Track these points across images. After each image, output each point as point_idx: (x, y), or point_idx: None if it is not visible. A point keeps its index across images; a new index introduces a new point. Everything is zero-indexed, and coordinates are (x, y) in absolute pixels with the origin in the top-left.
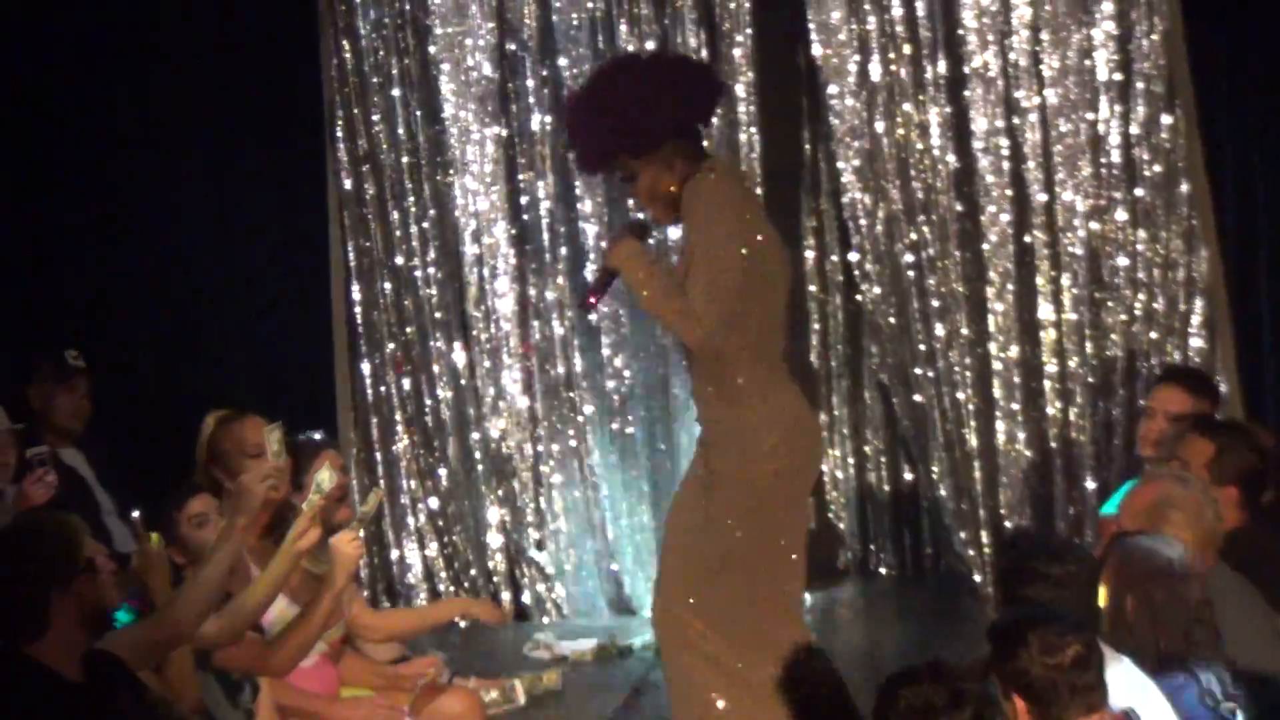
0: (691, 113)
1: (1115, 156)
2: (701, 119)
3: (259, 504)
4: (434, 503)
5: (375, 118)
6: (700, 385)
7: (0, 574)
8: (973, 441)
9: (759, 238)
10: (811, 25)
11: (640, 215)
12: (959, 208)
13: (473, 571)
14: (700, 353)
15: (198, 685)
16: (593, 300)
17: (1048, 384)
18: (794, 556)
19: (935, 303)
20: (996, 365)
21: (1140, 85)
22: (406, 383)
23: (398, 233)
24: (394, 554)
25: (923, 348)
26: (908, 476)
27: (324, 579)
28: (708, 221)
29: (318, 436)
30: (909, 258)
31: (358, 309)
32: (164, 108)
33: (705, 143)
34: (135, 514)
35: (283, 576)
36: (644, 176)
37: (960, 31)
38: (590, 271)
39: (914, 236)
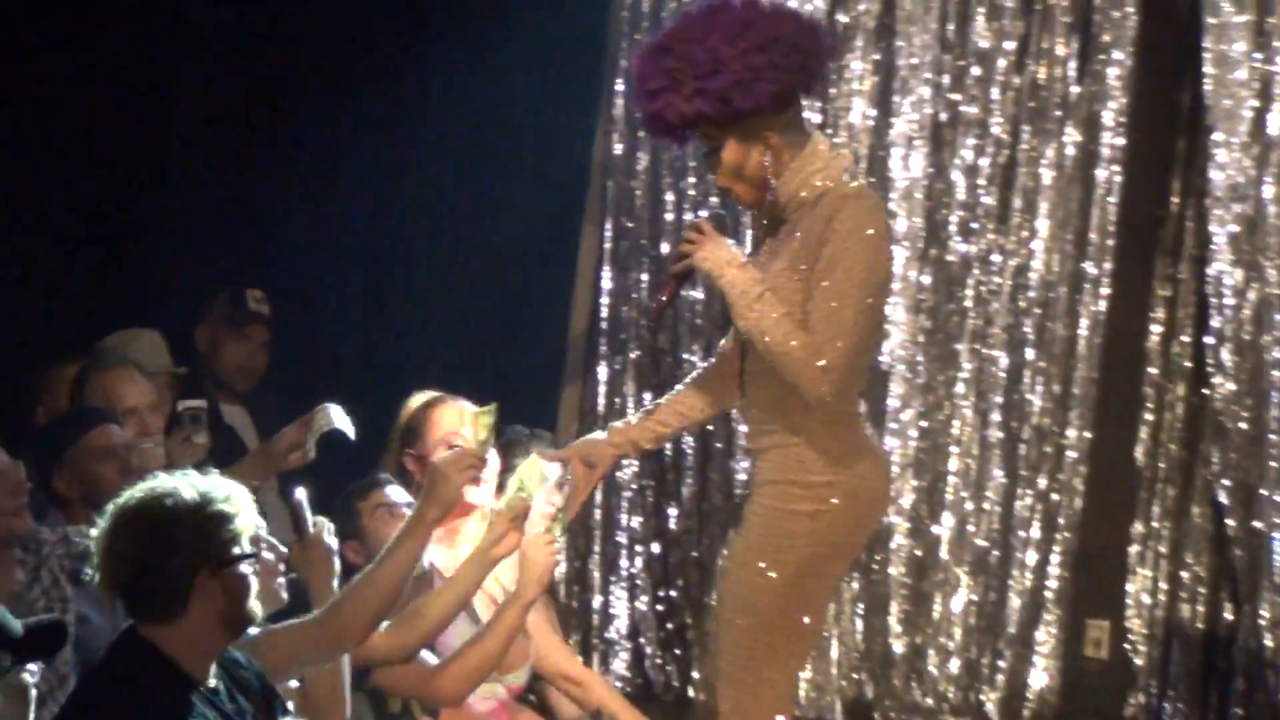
0: (796, 78)
1: None
2: (806, 84)
3: (456, 495)
4: (656, 548)
5: None
6: (774, 416)
7: (144, 539)
8: None
9: (891, 285)
10: (1206, 55)
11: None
12: None
13: (689, 635)
14: (814, 403)
15: (346, 708)
16: (660, 310)
17: None
18: (806, 642)
19: None
20: None
21: None
22: (647, 399)
23: (668, 216)
24: (597, 600)
25: (1275, 465)
26: (1228, 617)
27: (511, 594)
28: (855, 253)
29: (528, 431)
30: (1278, 354)
31: (604, 301)
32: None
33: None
34: (300, 494)
35: (472, 587)
36: (729, 150)
37: None
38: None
39: None
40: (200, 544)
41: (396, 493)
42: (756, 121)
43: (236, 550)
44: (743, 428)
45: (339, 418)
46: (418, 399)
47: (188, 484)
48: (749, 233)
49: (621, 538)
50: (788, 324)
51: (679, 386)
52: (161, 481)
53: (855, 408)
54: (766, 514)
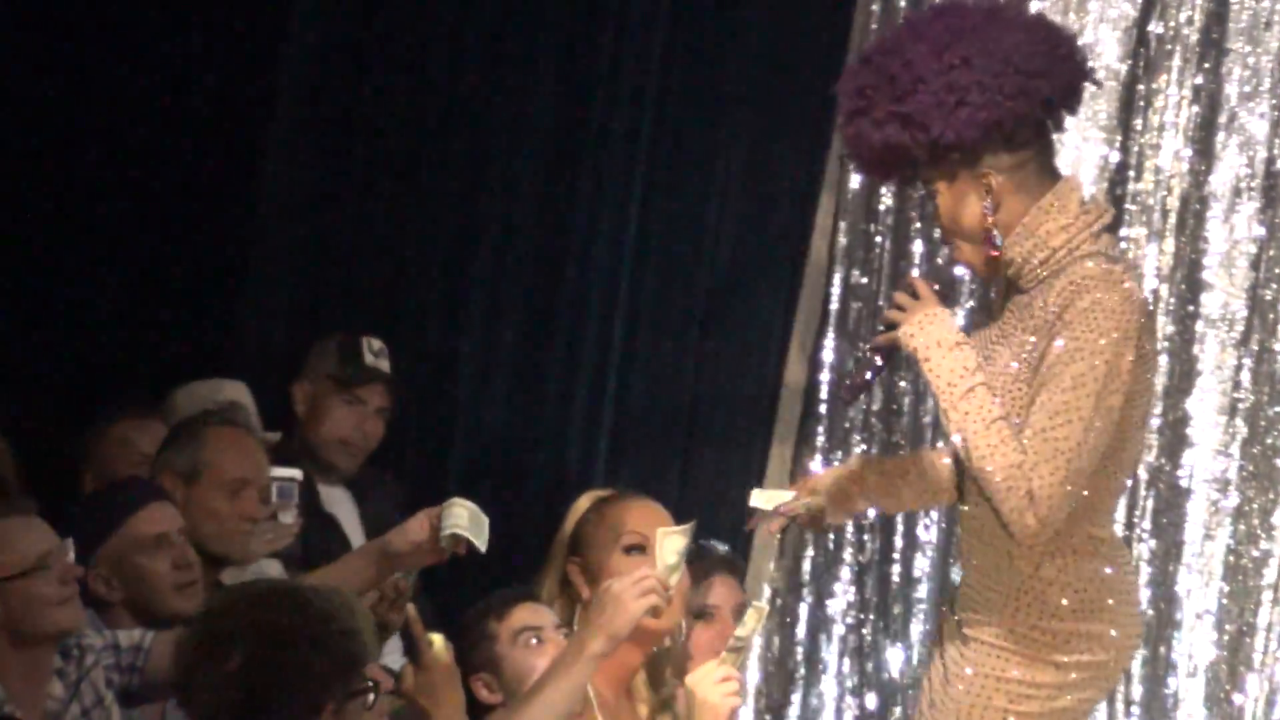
0: (1019, 104)
1: None
2: (1045, 113)
3: (629, 626)
4: (871, 700)
5: None
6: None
7: (265, 660)
8: None
9: (1147, 376)
10: None
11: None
12: None
13: None
14: (1021, 539)
15: None
16: (854, 393)
17: None
18: None
19: None
20: None
21: None
22: (879, 401)
23: (915, 272)
24: (800, 630)
25: None
26: None
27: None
28: (1090, 356)
29: (722, 549)
30: None
31: (834, 303)
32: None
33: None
34: (413, 608)
35: (573, 691)
36: (942, 195)
37: None
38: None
39: None
40: (336, 669)
41: (540, 614)
42: (970, 158)
43: (364, 680)
44: None
45: (472, 520)
46: (590, 497)
47: (311, 589)
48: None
49: (828, 685)
50: (998, 434)
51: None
52: (286, 585)
53: (1109, 533)
54: (988, 659)
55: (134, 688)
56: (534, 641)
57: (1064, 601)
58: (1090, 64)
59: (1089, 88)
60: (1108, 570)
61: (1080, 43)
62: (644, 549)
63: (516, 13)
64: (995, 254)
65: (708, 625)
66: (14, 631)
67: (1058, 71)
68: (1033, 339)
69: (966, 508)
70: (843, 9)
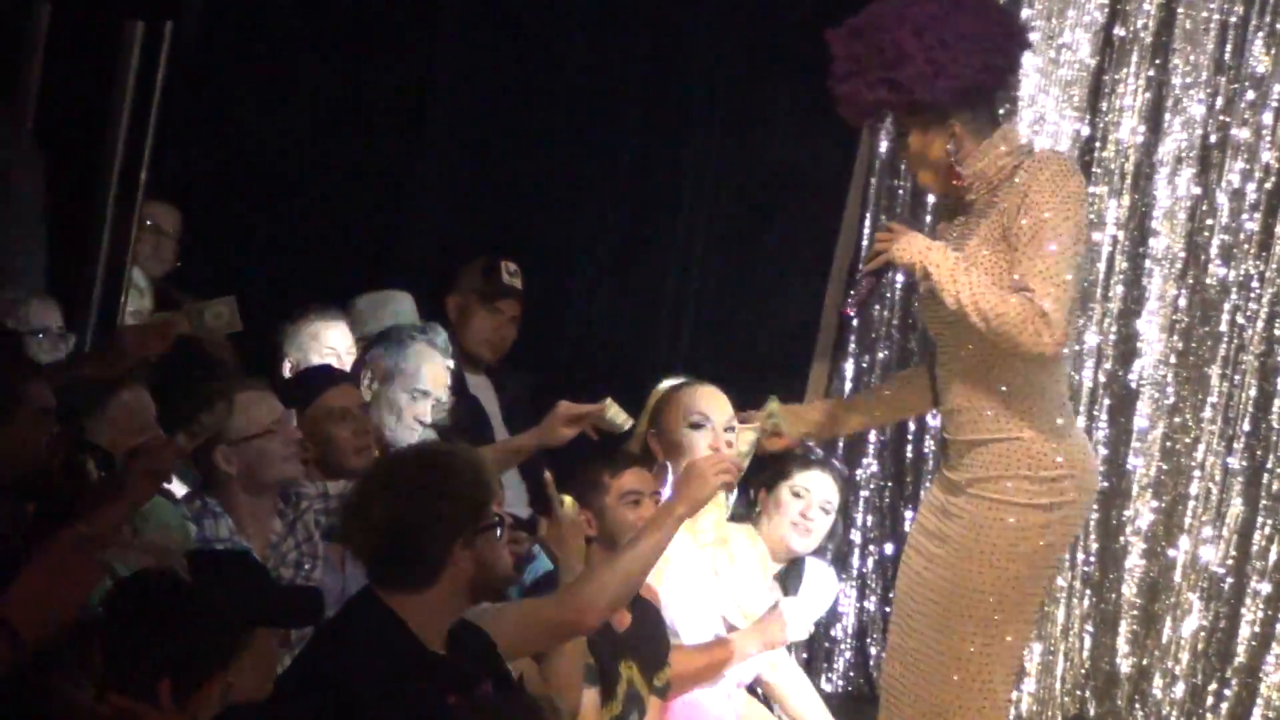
0: (988, 74)
1: None
2: (996, 81)
3: (709, 496)
4: (889, 548)
5: None
6: (989, 408)
7: (402, 506)
8: None
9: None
10: None
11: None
12: None
13: None
14: (1045, 356)
15: (580, 691)
16: (855, 307)
17: None
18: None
19: None
20: None
21: None
22: (897, 316)
23: (928, 217)
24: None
25: None
26: None
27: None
28: (1060, 211)
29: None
30: None
31: (864, 242)
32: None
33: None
34: (548, 474)
35: (663, 541)
36: (913, 137)
37: None
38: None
39: None
40: (461, 513)
41: (642, 479)
42: (941, 111)
43: (490, 519)
44: None
45: (617, 415)
46: (667, 382)
47: (443, 449)
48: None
49: (855, 536)
50: (997, 290)
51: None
52: (421, 447)
53: (1068, 393)
54: (987, 511)
55: (336, 528)
56: (634, 502)
57: (1055, 449)
58: (1029, 39)
59: (1061, 73)
60: (1075, 425)
61: (1022, 24)
62: (702, 425)
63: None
64: (958, 181)
65: (798, 501)
66: (249, 480)
67: (1009, 48)
68: (998, 223)
69: (950, 397)
70: None
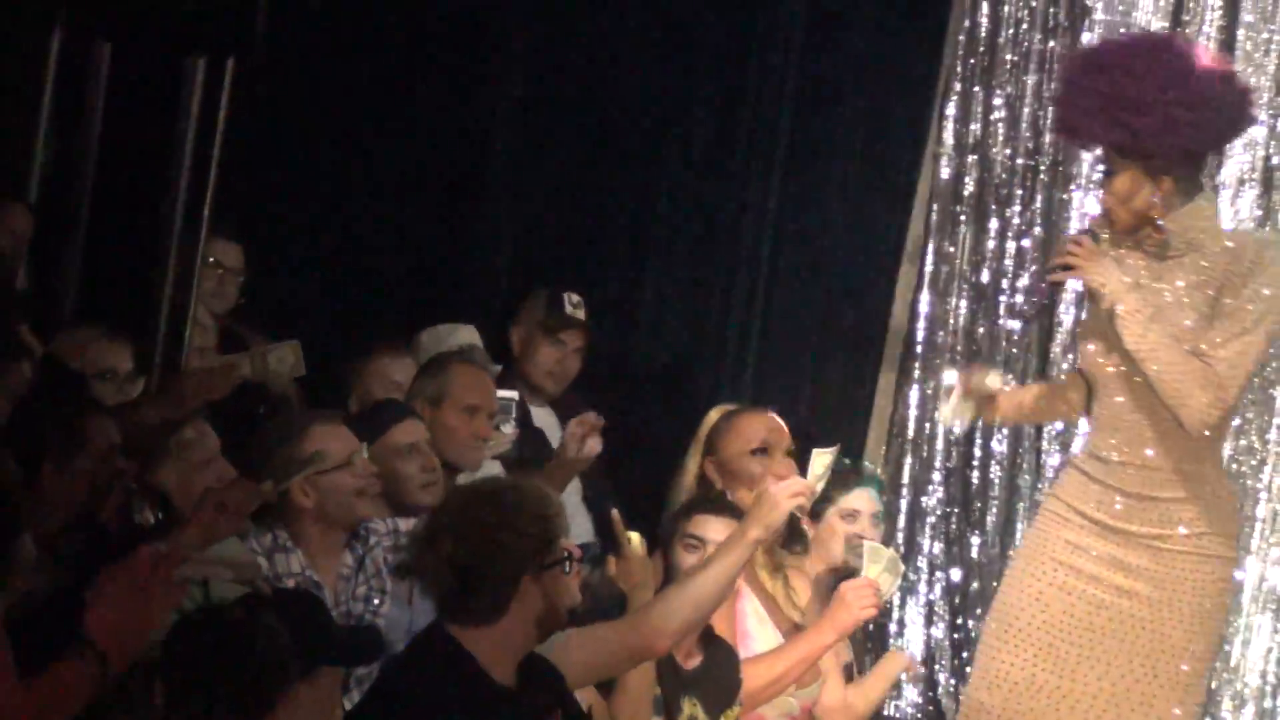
0: (1213, 138)
1: None
2: (1217, 147)
3: (781, 520)
4: (956, 574)
5: (997, 102)
6: (1179, 462)
7: (471, 541)
8: None
9: None
10: None
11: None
12: None
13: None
14: (1198, 428)
15: (650, 716)
16: (1031, 316)
17: None
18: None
19: None
20: None
21: None
22: (957, 425)
23: (990, 244)
24: (893, 625)
25: None
26: None
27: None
28: (1268, 293)
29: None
30: None
31: (921, 324)
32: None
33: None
34: (614, 512)
35: (734, 568)
36: (1123, 179)
37: None
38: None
39: None
40: (530, 547)
41: (709, 527)
42: (1159, 163)
43: (559, 553)
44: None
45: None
46: (719, 409)
47: (510, 485)
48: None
49: (922, 563)
50: (1180, 350)
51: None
52: (489, 483)
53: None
54: (1186, 562)
55: (406, 564)
56: (694, 546)
57: (1229, 506)
58: (1258, 114)
59: None
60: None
61: (1254, 96)
62: (768, 450)
63: (676, 32)
64: (1157, 234)
65: (849, 524)
66: (322, 514)
67: (1241, 123)
68: (1200, 285)
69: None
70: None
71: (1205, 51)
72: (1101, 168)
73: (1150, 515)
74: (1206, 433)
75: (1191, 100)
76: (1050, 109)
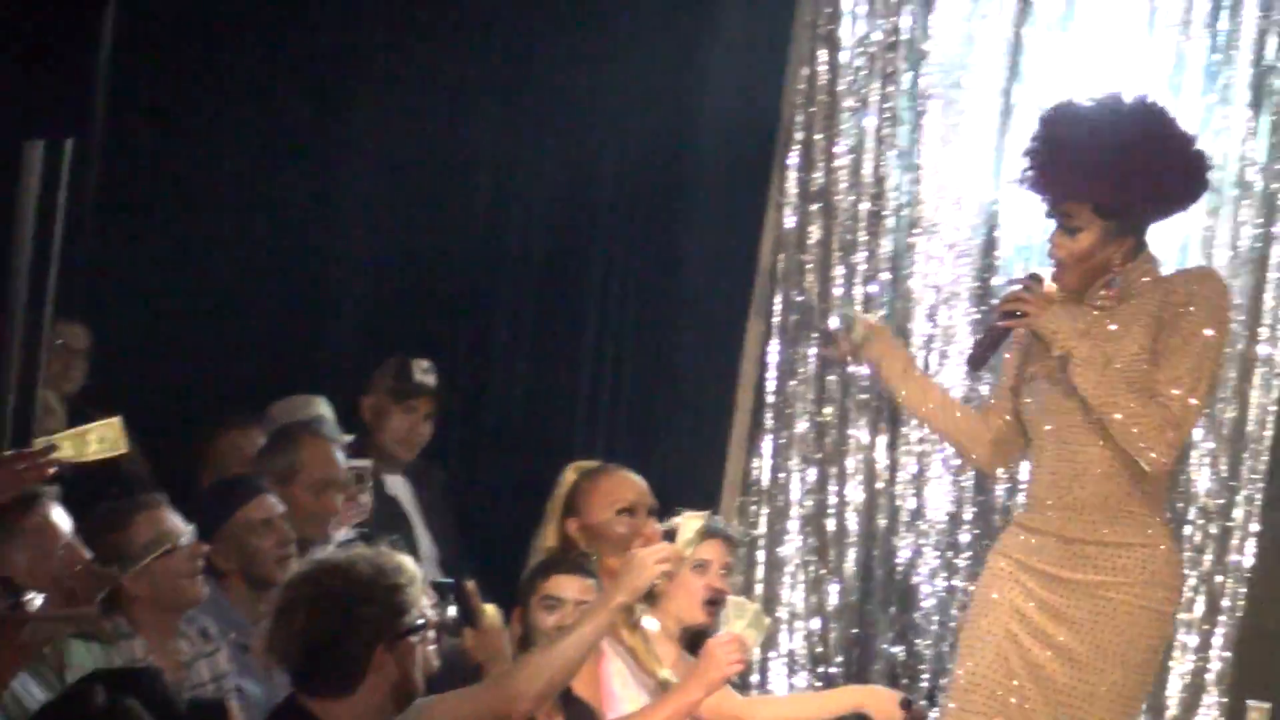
0: (1177, 206)
1: None
2: (1173, 213)
3: (647, 586)
4: (815, 623)
5: (839, 149)
6: (1126, 510)
7: (323, 614)
8: None
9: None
10: None
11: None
12: None
13: None
14: (1160, 469)
15: None
16: (978, 360)
17: None
18: None
19: None
20: None
21: None
22: (812, 474)
23: (838, 291)
24: (755, 676)
25: None
26: None
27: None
28: (1214, 336)
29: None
30: None
31: (771, 374)
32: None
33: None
34: (469, 583)
35: (594, 636)
36: (1088, 235)
37: None
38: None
39: None
40: (381, 618)
41: (568, 587)
42: (1129, 224)
43: (412, 622)
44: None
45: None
46: (576, 468)
47: (362, 557)
48: None
49: (782, 612)
50: (1136, 394)
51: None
52: (336, 555)
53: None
54: (1127, 613)
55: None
56: (552, 606)
57: (1177, 557)
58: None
59: None
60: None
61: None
62: (634, 511)
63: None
64: (1107, 293)
65: (699, 575)
66: (155, 599)
67: (1199, 195)
68: (1143, 328)
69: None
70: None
71: (1171, 117)
72: (1061, 223)
73: (1095, 561)
74: (1159, 472)
75: (1170, 163)
76: (1024, 161)
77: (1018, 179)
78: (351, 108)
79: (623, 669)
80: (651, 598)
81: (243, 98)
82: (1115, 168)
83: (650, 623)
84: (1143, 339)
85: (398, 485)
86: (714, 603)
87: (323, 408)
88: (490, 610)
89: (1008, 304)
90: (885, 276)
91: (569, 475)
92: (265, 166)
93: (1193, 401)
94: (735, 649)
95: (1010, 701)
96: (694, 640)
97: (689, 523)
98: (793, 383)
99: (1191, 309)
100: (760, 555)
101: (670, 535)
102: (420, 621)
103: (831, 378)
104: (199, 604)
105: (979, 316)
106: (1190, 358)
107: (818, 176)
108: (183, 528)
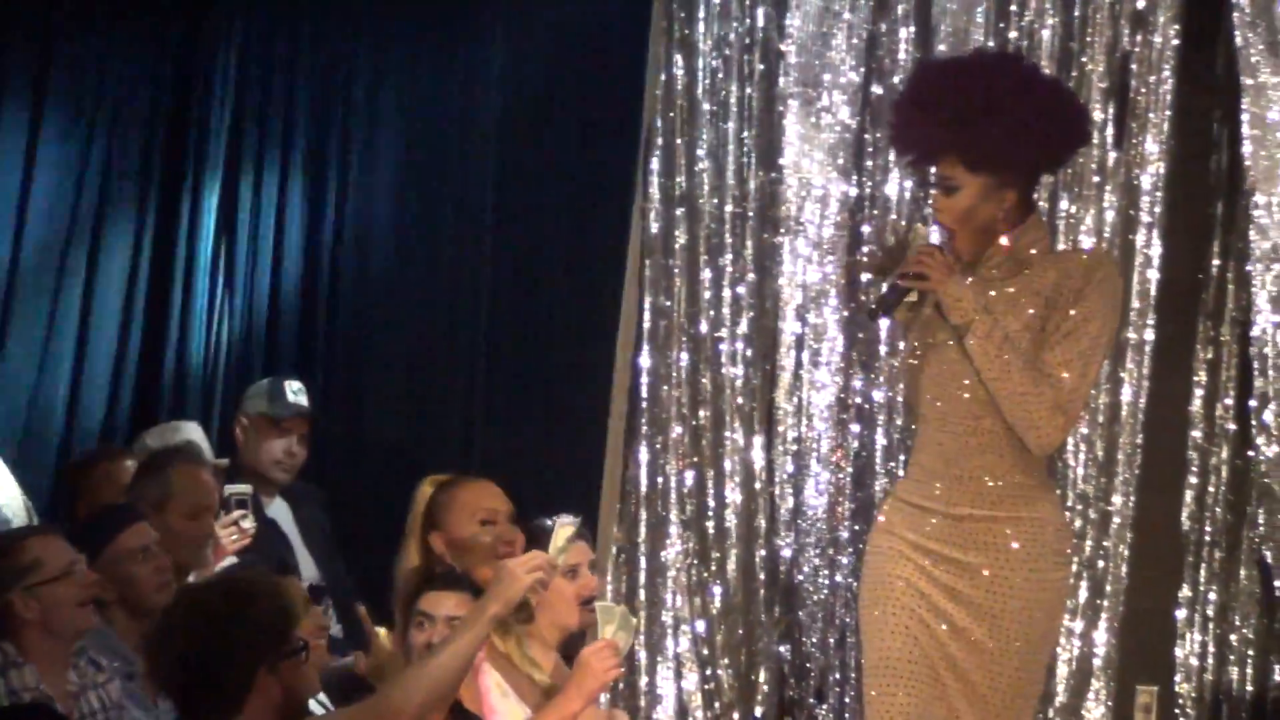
0: (1055, 155)
1: None
2: (1059, 161)
3: (520, 595)
4: (700, 626)
5: (700, 152)
6: (1013, 481)
7: (203, 637)
8: None
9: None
10: (1244, 117)
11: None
12: None
13: (735, 715)
14: (1046, 450)
15: None
16: (882, 309)
17: None
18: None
19: None
20: None
21: None
22: (690, 477)
23: (706, 294)
24: (644, 680)
25: None
26: (1277, 678)
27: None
28: (1105, 321)
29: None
30: None
31: (644, 380)
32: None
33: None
34: (360, 607)
35: (473, 647)
36: (967, 193)
37: None
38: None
39: None
40: (264, 639)
41: (440, 604)
42: (1006, 177)
43: (294, 644)
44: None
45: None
46: (431, 482)
47: (240, 579)
48: None
49: (667, 617)
50: (1030, 374)
51: None
52: (213, 578)
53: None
54: (1024, 590)
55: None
56: (423, 623)
57: (1064, 524)
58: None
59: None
60: None
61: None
62: (494, 520)
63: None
64: (1001, 251)
65: (571, 581)
66: (46, 627)
67: (1080, 138)
68: (1036, 306)
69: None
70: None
71: (1039, 70)
72: (939, 187)
73: (985, 539)
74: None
75: (1039, 108)
76: (890, 127)
77: (887, 140)
78: (208, 118)
79: (500, 680)
80: (526, 607)
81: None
82: (977, 115)
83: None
84: (1030, 315)
85: (277, 508)
86: (589, 601)
87: (194, 433)
88: (382, 633)
89: (911, 264)
90: (752, 278)
91: (425, 489)
92: (140, 183)
93: (1082, 386)
94: (609, 655)
95: (926, 676)
96: (569, 647)
97: (561, 530)
98: (666, 387)
99: (1087, 295)
100: (641, 561)
101: (534, 538)
102: (303, 643)
103: (704, 382)
104: (90, 631)
105: (849, 315)
106: (1083, 342)
107: (680, 180)
108: (74, 555)
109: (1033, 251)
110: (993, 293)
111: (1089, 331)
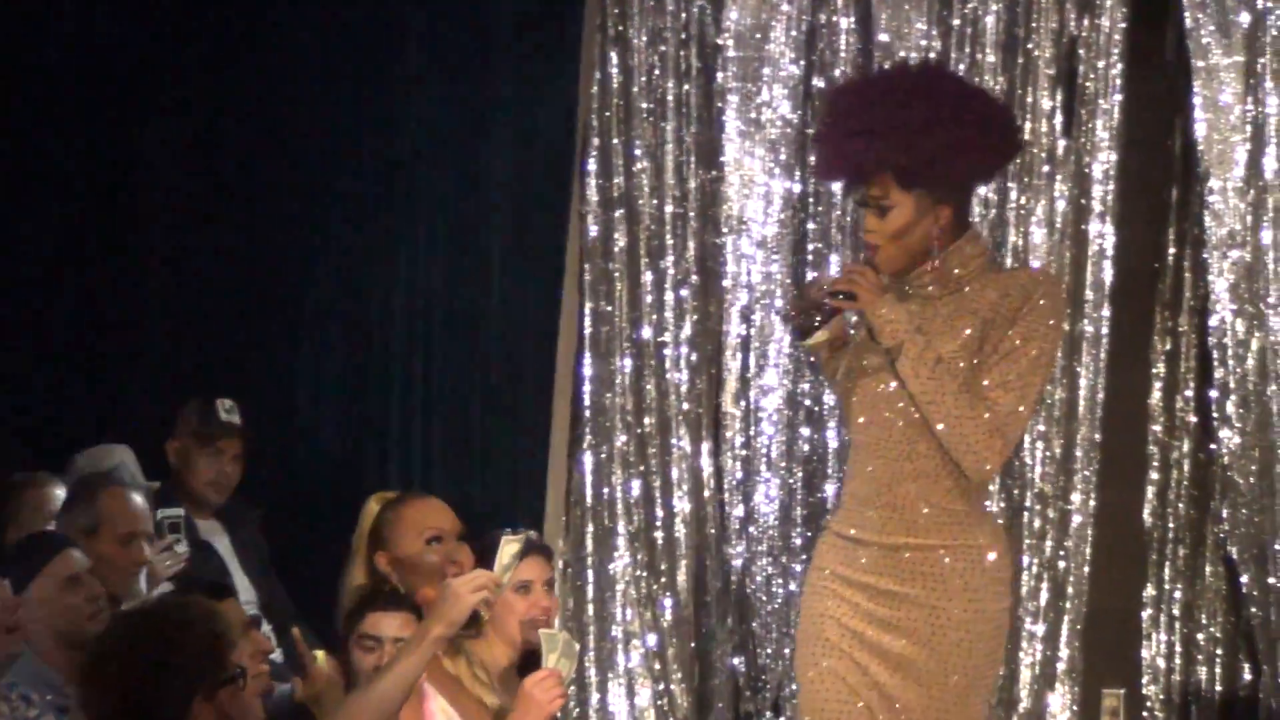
0: (991, 164)
1: None
2: (992, 174)
3: (464, 615)
4: (652, 639)
5: (638, 152)
6: (951, 507)
7: (136, 668)
8: None
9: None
10: (1196, 100)
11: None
12: None
13: None
14: (983, 476)
15: None
16: (802, 327)
17: None
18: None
19: None
20: None
21: None
22: (636, 487)
23: (648, 298)
24: (595, 697)
25: None
26: (1246, 677)
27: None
28: (1046, 340)
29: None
30: None
31: (587, 388)
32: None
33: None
34: (295, 630)
35: (415, 670)
36: (900, 212)
37: None
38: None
39: None
40: (199, 667)
41: (384, 625)
42: (940, 193)
43: (230, 671)
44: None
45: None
46: (378, 499)
47: (173, 605)
48: None
49: (617, 631)
50: (966, 397)
51: None
52: (145, 606)
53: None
54: (961, 621)
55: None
56: (371, 646)
57: (1003, 552)
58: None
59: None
60: None
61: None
62: (442, 538)
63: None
64: (931, 269)
65: (523, 597)
66: None
67: (1012, 151)
68: (972, 327)
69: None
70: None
71: (965, 80)
72: (872, 209)
73: (921, 569)
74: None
75: (973, 121)
76: (814, 149)
77: (813, 169)
78: (144, 136)
79: (446, 707)
80: (476, 622)
81: (39, 109)
82: (904, 128)
83: None
84: (966, 335)
85: (211, 530)
86: (541, 622)
87: (125, 456)
88: (320, 656)
89: (840, 283)
90: (695, 280)
91: (371, 506)
92: (61, 200)
93: (1021, 410)
94: (552, 684)
95: (858, 709)
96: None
97: (507, 546)
98: (609, 394)
99: (1027, 315)
100: (589, 574)
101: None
102: (239, 669)
103: (649, 388)
104: (20, 663)
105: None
106: (1021, 364)
107: (618, 182)
108: (2, 580)
109: (970, 269)
110: (929, 312)
111: (1028, 353)
